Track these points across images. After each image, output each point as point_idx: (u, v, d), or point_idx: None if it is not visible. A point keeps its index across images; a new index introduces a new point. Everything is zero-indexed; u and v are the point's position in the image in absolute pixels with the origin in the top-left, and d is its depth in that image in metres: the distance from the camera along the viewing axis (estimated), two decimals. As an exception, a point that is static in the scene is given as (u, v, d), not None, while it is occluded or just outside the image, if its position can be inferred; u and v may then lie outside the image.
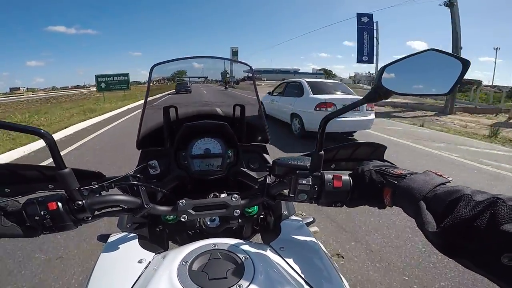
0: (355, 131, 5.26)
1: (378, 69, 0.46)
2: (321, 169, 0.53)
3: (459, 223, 0.32)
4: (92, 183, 0.56)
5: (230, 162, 0.78)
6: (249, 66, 0.89)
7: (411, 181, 0.42)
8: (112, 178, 0.59)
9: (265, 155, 0.83)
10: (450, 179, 0.42)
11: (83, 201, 0.47)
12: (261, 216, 0.77)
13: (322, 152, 0.51)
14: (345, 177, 0.53)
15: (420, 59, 0.46)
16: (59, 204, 0.46)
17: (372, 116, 4.91)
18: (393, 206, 0.47)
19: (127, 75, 17.47)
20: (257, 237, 0.82)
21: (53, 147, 0.44)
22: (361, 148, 0.67)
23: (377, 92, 0.46)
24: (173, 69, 0.96)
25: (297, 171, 0.53)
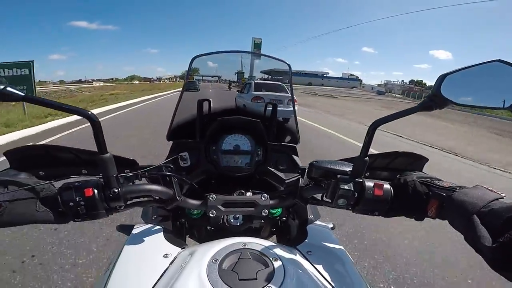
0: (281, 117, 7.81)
1: (437, 77, 0.44)
2: (363, 175, 0.51)
3: None
4: (126, 171, 0.54)
5: (258, 160, 0.77)
6: (287, 63, 0.87)
7: (462, 195, 0.42)
8: (145, 166, 0.58)
9: (295, 157, 0.81)
10: (504, 194, 0.41)
11: (119, 189, 0.46)
12: (283, 218, 0.76)
13: (367, 158, 0.50)
14: (387, 185, 0.52)
15: (484, 69, 0.44)
16: (95, 191, 0.45)
17: (291, 108, 7.21)
18: (436, 219, 0.46)
19: (28, 65, 6.94)
20: (274, 239, 0.81)
21: (97, 129, 0.43)
22: (400, 157, 0.65)
23: (433, 101, 0.45)
24: (200, 65, 0.94)
25: (338, 176, 0.51)
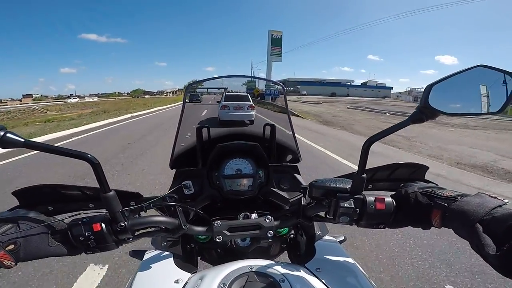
0: (244, 120, 8.84)
1: (424, 88, 0.45)
2: (363, 191, 0.52)
3: None
4: (131, 203, 0.56)
5: (261, 182, 0.77)
6: (281, 85, 0.89)
7: (464, 204, 0.42)
8: (150, 198, 0.59)
9: (297, 175, 0.82)
10: (506, 201, 0.41)
11: (125, 223, 0.48)
12: (292, 235, 0.76)
13: (365, 175, 0.50)
14: (388, 199, 0.52)
15: (468, 76, 0.44)
16: (103, 225, 0.47)
17: (252, 112, 8.44)
18: (442, 227, 0.46)
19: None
20: (284, 255, 0.81)
21: (99, 170, 0.45)
22: (401, 168, 0.65)
23: (423, 113, 0.45)
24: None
25: (338, 194, 0.52)
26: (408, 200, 0.50)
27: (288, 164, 0.85)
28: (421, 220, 0.49)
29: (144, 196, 0.61)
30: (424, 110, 0.45)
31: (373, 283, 0.57)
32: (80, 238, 0.46)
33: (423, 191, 0.49)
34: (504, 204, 0.40)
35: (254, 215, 0.69)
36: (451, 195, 0.45)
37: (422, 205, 0.48)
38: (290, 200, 0.77)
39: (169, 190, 0.70)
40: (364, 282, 0.55)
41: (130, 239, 0.51)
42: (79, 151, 0.44)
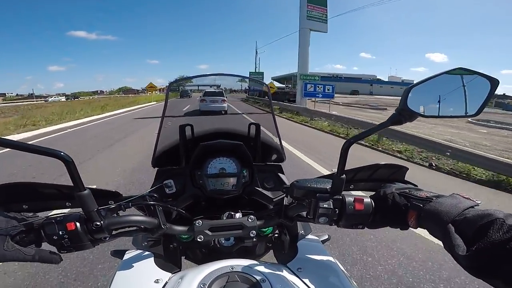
0: (219, 110, 9.25)
1: (403, 91, 0.44)
2: (342, 192, 0.52)
3: (491, 247, 0.33)
4: (109, 202, 0.56)
5: (245, 181, 0.77)
6: (265, 84, 0.89)
7: (438, 205, 0.42)
8: (129, 197, 0.59)
9: (280, 175, 0.82)
10: (479, 202, 0.41)
11: (101, 222, 0.47)
12: (276, 234, 0.76)
13: (344, 176, 0.51)
14: (367, 199, 0.52)
15: (447, 78, 0.45)
16: (78, 224, 0.46)
17: (225, 104, 9.34)
18: (418, 228, 0.46)
19: None
20: (270, 254, 0.81)
21: (72, 168, 0.44)
22: (382, 169, 0.65)
23: (402, 115, 0.45)
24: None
25: (317, 194, 0.52)
26: (386, 201, 0.50)
27: (273, 163, 0.85)
28: (398, 221, 0.49)
29: (123, 195, 0.61)
30: (402, 113, 0.45)
31: (354, 282, 0.58)
32: (54, 237, 0.46)
33: (401, 192, 0.50)
34: (476, 205, 0.40)
35: (238, 215, 0.69)
36: (426, 196, 0.46)
37: (399, 206, 0.48)
38: (274, 200, 0.77)
39: (150, 189, 0.69)
40: (345, 281, 0.56)
41: (107, 239, 0.50)
42: (52, 149, 0.43)
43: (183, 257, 0.77)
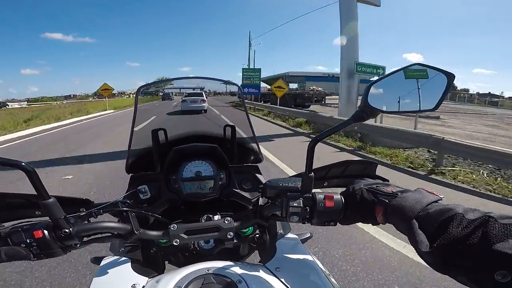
0: (199, 110, 9.90)
1: (365, 88, 0.45)
2: (312, 190, 0.52)
3: (452, 242, 0.32)
4: (81, 210, 0.56)
5: (222, 183, 0.77)
6: (238, 86, 0.89)
7: (402, 200, 0.43)
8: (101, 204, 0.59)
9: (258, 175, 0.82)
10: (442, 196, 0.42)
11: (70, 229, 0.48)
12: (257, 235, 0.76)
13: (312, 174, 0.51)
14: (337, 196, 0.52)
15: (406, 74, 0.46)
16: (45, 232, 0.47)
17: (204, 104, 10.14)
18: (386, 223, 0.47)
19: None
20: (256, 255, 0.81)
21: (34, 178, 0.44)
22: (352, 165, 0.66)
23: (364, 112, 0.46)
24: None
25: (288, 193, 0.52)
26: (355, 197, 0.51)
27: (249, 164, 0.85)
28: (367, 216, 0.49)
29: (95, 203, 0.60)
30: (364, 109, 0.46)
31: (333, 280, 0.58)
32: (22, 245, 0.46)
33: (369, 187, 0.50)
34: (440, 200, 0.41)
35: (216, 217, 0.69)
36: (393, 191, 0.46)
37: (367, 201, 0.49)
38: (252, 200, 0.77)
39: (123, 195, 0.69)
40: (324, 280, 0.56)
41: (78, 245, 0.50)
42: (13, 159, 0.43)
43: (166, 262, 0.77)
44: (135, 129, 0.79)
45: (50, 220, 0.48)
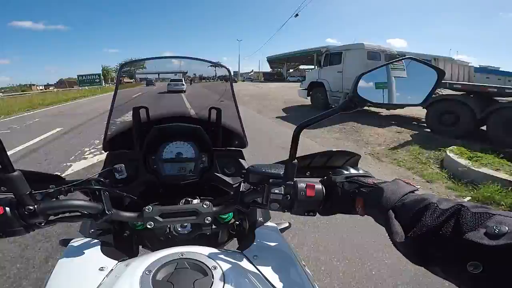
0: (180, 91, 10.86)
1: (354, 78, 0.44)
2: (294, 178, 0.51)
3: (426, 232, 0.32)
4: (50, 186, 0.53)
5: (203, 167, 0.75)
6: (226, 68, 0.87)
7: (380, 191, 0.42)
8: (73, 181, 0.55)
9: (241, 160, 0.81)
10: (418, 186, 0.42)
11: (35, 206, 0.44)
12: (237, 222, 0.75)
13: (296, 161, 0.50)
14: (318, 186, 0.52)
15: (396, 67, 0.45)
16: (7, 209, 0.43)
17: (184, 86, 11.76)
18: (365, 215, 0.46)
19: None
20: (234, 243, 0.80)
21: (0, 149, 0.40)
22: (336, 156, 0.66)
23: (352, 101, 0.45)
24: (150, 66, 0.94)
25: (270, 180, 0.51)
26: (335, 188, 0.51)
27: (232, 149, 0.84)
28: (347, 208, 0.49)
29: (66, 179, 0.57)
30: (353, 99, 0.45)
31: (308, 270, 0.58)
32: None
33: (350, 179, 0.50)
34: (416, 190, 0.41)
35: (196, 201, 0.67)
36: (373, 183, 0.46)
37: (348, 193, 0.48)
38: (234, 186, 0.75)
39: (97, 173, 0.65)
40: (299, 270, 0.56)
41: (42, 224, 0.47)
42: None
43: (140, 247, 0.74)
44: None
45: (13, 196, 0.44)
